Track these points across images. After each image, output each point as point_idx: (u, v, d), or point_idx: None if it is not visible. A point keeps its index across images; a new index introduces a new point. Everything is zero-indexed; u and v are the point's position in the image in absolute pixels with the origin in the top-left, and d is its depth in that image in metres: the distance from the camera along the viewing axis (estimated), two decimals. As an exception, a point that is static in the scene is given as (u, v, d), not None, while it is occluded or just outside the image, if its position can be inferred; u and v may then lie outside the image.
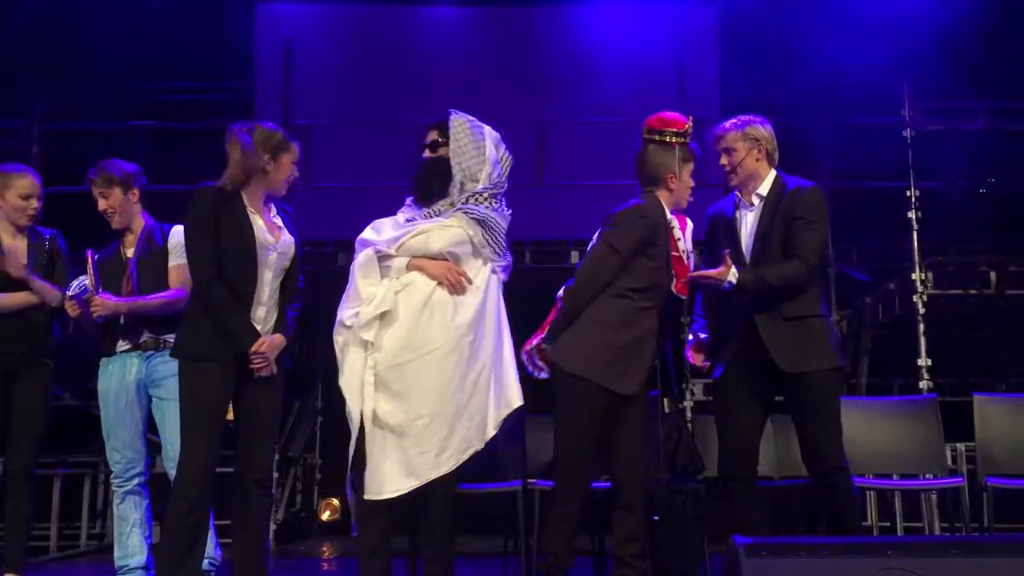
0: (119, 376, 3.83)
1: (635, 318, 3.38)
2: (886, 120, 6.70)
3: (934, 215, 6.39)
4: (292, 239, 3.41)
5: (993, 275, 6.19)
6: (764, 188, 3.57)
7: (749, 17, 7.29)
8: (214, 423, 3.20)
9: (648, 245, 3.38)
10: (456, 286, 3.25)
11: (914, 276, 6.13)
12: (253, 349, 3.21)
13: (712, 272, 3.42)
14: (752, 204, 3.58)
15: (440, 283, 3.24)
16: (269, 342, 3.26)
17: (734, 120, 3.62)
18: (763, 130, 3.59)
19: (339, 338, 3.29)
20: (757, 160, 3.56)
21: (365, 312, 3.21)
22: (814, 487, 3.50)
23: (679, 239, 3.48)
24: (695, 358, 3.66)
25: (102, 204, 3.88)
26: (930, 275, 6.17)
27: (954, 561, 2.43)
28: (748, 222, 3.57)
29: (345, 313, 3.28)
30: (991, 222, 7.31)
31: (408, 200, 3.46)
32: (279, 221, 3.41)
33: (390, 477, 3.12)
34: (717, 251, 3.58)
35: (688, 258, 3.51)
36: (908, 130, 6.36)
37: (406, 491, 3.11)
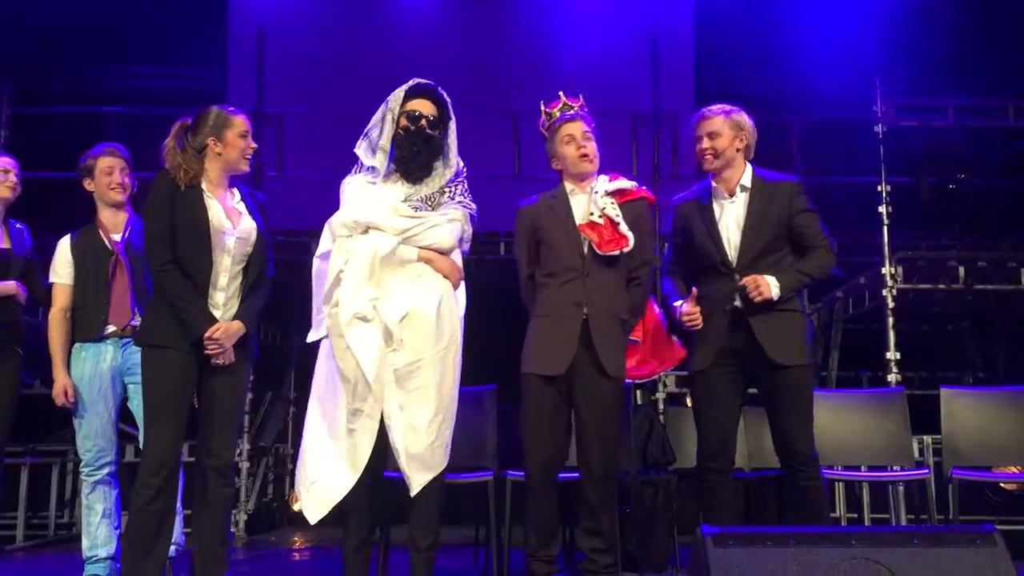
0: (93, 363, 3.81)
1: (554, 296, 3.45)
2: (858, 115, 6.75)
3: (904, 210, 6.45)
4: (253, 224, 3.32)
5: (962, 270, 6.26)
6: (747, 179, 3.53)
7: (725, 11, 7.32)
8: (176, 410, 3.16)
9: (534, 235, 3.54)
10: (457, 284, 3.29)
11: (884, 271, 6.18)
12: (207, 335, 3.14)
13: (762, 290, 3.37)
14: (732, 195, 3.52)
15: (447, 277, 3.24)
16: (224, 328, 3.18)
17: (721, 106, 3.59)
18: (747, 120, 3.58)
19: (350, 329, 3.06)
20: (738, 150, 3.53)
21: (391, 307, 3.11)
22: (784, 477, 3.53)
23: (595, 199, 3.47)
24: (686, 305, 3.48)
25: (124, 178, 3.90)
26: (900, 270, 6.22)
27: (917, 551, 2.46)
28: (731, 213, 3.51)
29: (356, 302, 3.08)
30: (960, 218, 7.41)
31: (380, 168, 3.29)
32: (242, 207, 3.34)
33: (415, 472, 3.11)
34: (693, 241, 3.55)
35: (613, 216, 3.44)
36: (879, 126, 6.41)
37: (426, 484, 3.12)
